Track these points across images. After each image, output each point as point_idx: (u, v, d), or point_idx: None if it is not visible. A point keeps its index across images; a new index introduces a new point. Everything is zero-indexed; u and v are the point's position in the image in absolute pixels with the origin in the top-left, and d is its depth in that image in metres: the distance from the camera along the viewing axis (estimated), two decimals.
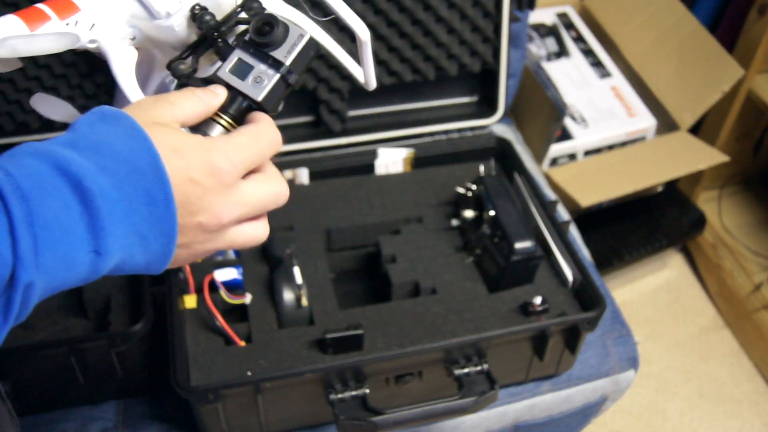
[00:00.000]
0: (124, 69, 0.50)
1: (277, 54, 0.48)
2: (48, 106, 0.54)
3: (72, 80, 0.92)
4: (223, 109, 0.48)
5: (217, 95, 0.48)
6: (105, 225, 0.38)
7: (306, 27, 0.52)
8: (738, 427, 1.42)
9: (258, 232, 0.48)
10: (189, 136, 0.43)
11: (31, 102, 0.53)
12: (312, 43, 0.49)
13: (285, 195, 0.48)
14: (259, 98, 0.48)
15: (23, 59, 0.48)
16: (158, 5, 0.48)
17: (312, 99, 1.02)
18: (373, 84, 0.61)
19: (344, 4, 0.56)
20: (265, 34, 0.48)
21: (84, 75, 0.92)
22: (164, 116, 0.44)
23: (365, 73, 0.61)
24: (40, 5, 0.47)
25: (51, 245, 0.36)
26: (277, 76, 0.48)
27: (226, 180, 0.43)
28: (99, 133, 0.40)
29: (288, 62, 0.48)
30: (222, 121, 0.47)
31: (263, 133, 0.46)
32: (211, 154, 0.43)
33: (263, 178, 0.47)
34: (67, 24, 0.47)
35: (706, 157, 1.40)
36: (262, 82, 0.48)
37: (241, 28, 0.51)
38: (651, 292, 1.65)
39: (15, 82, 0.91)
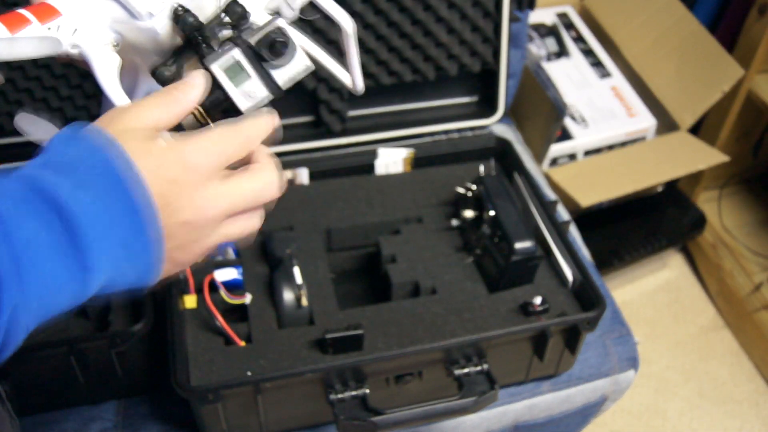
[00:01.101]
0: (107, 74, 0.49)
1: (277, 76, 0.48)
2: (32, 125, 0.53)
3: (72, 80, 0.92)
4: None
5: (195, 87, 0.46)
6: (89, 240, 0.37)
7: (298, 40, 0.51)
8: (738, 427, 1.42)
9: (251, 222, 0.47)
10: (160, 137, 0.42)
11: (15, 122, 0.53)
12: (309, 71, 0.49)
13: (275, 185, 0.46)
14: (244, 109, 0.48)
15: (13, 67, 0.48)
16: (139, 6, 0.48)
17: (312, 99, 1.02)
18: (360, 85, 0.59)
19: None
20: (278, 54, 0.47)
21: (84, 75, 0.92)
22: (134, 122, 0.43)
23: (351, 72, 0.59)
24: (20, 9, 0.47)
25: (34, 264, 0.35)
26: (270, 97, 0.48)
27: (204, 174, 0.42)
28: (71, 150, 0.39)
29: (285, 87, 0.48)
30: (194, 111, 0.47)
31: (244, 123, 0.45)
32: (184, 149, 0.42)
33: (252, 169, 0.45)
34: (49, 29, 0.47)
35: (706, 157, 1.40)
36: (254, 96, 0.48)
37: (227, 33, 0.50)
38: (651, 292, 1.65)
39: (15, 82, 0.91)
